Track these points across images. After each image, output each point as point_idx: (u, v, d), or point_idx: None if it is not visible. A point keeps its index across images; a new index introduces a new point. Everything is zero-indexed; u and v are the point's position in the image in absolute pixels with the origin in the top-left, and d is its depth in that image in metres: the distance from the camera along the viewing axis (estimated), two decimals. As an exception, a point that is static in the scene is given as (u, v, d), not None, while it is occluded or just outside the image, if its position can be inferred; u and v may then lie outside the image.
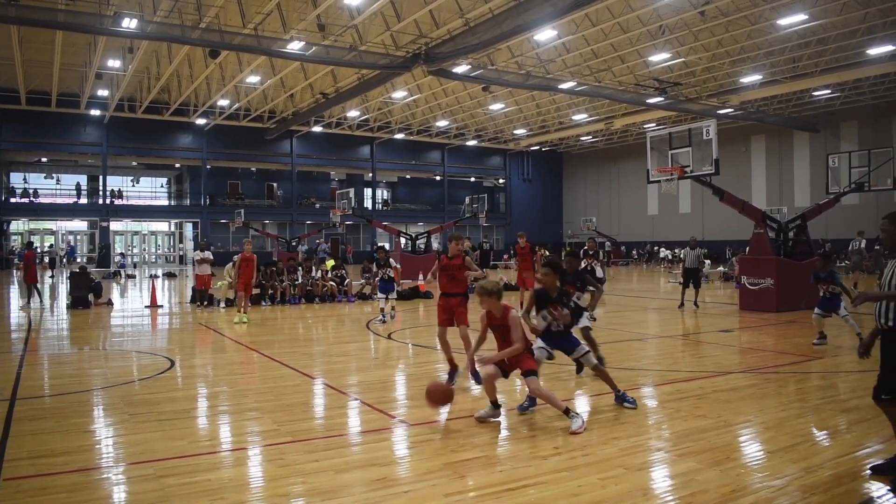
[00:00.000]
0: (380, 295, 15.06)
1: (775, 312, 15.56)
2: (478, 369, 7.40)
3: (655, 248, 51.65)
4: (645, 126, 45.16)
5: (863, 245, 21.41)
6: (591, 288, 8.73)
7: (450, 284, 8.30)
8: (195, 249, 24.87)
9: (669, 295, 21.64)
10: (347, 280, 20.95)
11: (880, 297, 4.83)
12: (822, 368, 9.25)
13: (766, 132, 46.13)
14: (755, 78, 35.68)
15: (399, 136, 52.30)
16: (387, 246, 50.96)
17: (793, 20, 27.23)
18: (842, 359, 10.03)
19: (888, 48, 29.56)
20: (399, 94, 40.83)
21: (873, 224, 39.96)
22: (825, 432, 6.25)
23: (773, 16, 27.46)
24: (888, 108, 39.44)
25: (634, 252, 52.20)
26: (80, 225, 48.75)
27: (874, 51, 30.09)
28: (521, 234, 17.19)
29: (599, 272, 16.59)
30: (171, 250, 52.49)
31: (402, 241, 33.09)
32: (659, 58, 32.72)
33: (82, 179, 49.65)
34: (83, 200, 47.75)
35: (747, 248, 18.33)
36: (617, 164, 57.00)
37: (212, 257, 19.34)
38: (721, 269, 31.15)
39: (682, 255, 19.11)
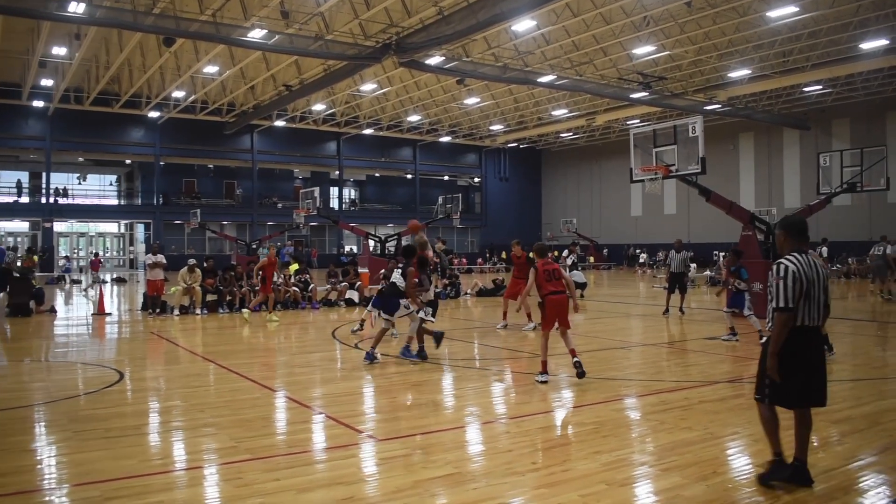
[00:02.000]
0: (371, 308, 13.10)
1: (764, 318, 15.74)
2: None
3: (637, 251, 52.09)
4: (628, 122, 45.43)
5: (887, 250, 21.37)
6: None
7: (554, 284, 9.03)
8: (147, 252, 24.64)
9: (653, 300, 21.82)
10: (312, 286, 20.85)
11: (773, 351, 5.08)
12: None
13: (754, 129, 46.73)
14: (744, 72, 36.10)
15: (368, 131, 52.14)
16: (355, 249, 50.88)
17: (783, 12, 27.57)
18: (833, 367, 10.18)
19: (882, 42, 30.07)
20: (368, 87, 40.72)
21: (865, 227, 40.41)
22: (816, 444, 6.33)
23: (762, 7, 27.81)
24: (882, 104, 40.11)
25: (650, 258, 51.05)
26: (20, 226, 47.91)
27: (867, 45, 30.59)
28: (515, 241, 15.98)
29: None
30: (121, 253, 51.84)
31: (371, 243, 32.99)
32: (643, 50, 32.97)
33: (23, 176, 48.69)
34: (24, 199, 46.87)
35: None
36: (599, 162, 57.35)
37: (165, 261, 19.11)
38: (708, 272, 31.49)
39: (668, 259, 19.25)
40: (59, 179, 47.93)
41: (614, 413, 7.50)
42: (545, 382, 8.75)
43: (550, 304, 8.89)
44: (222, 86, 40.31)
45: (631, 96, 38.10)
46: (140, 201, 50.43)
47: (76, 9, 23.86)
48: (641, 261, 47.60)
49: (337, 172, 55.25)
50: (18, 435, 6.71)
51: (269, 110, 43.64)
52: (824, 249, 22.76)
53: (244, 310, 17.62)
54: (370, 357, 10.40)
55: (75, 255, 47.62)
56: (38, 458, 6.04)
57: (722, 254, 34.05)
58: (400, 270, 10.73)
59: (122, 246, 51.99)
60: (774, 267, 5.13)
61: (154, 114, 44.44)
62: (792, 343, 5.04)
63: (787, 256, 5.13)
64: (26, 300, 18.30)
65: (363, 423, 7.23)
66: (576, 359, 8.82)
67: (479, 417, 7.40)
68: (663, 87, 37.84)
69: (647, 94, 37.08)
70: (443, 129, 53.64)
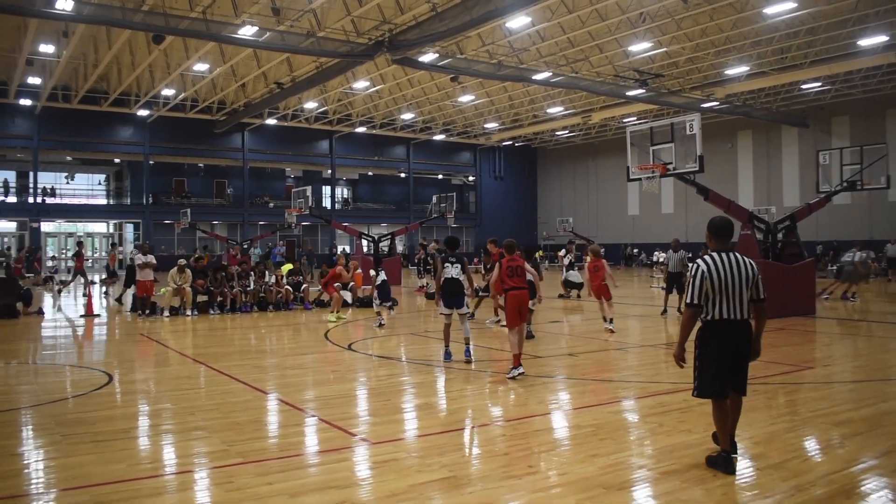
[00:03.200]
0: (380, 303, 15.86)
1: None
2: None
3: (636, 250, 52.05)
4: (625, 120, 45.57)
5: (856, 258, 21.58)
6: None
7: (515, 280, 9.60)
8: (137, 253, 24.51)
9: (651, 301, 21.82)
10: (304, 286, 20.80)
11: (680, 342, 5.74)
12: (813, 379, 9.39)
13: (752, 127, 46.85)
14: (741, 69, 36.20)
15: (360, 129, 52.10)
16: (347, 248, 50.79)
17: (780, 8, 27.66)
18: (834, 369, 10.21)
19: (881, 39, 30.17)
20: (361, 85, 40.69)
21: (865, 226, 40.42)
22: (817, 447, 6.34)
23: (759, 3, 27.88)
24: (881, 101, 40.25)
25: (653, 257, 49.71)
26: (7, 226, 47.75)
27: (866, 41, 30.71)
28: (491, 239, 16.45)
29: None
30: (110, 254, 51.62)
31: (364, 243, 32.96)
32: (639, 47, 33.03)
33: (10, 176, 48.55)
34: (11, 199, 46.79)
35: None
36: (595, 160, 57.45)
37: (155, 261, 19.07)
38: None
39: (665, 259, 19.26)
40: (46, 179, 47.77)
41: (612, 415, 7.50)
42: (521, 374, 9.17)
43: (511, 299, 9.42)
44: (213, 84, 40.25)
45: (627, 94, 38.10)
46: (129, 201, 50.32)
47: (64, 6, 23.75)
48: (661, 260, 44.68)
49: (329, 171, 55.17)
50: (5, 439, 6.66)
51: (261, 108, 43.56)
52: (856, 255, 22.27)
53: (331, 315, 17.40)
54: (464, 355, 10.76)
55: (63, 256, 47.45)
56: (26, 462, 6.00)
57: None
58: (458, 265, 10.51)
59: (110, 246, 51.77)
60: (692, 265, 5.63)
61: (143, 112, 44.31)
62: (713, 334, 5.57)
63: (704, 256, 5.60)
64: (13, 301, 18.23)
65: (357, 426, 7.21)
66: (520, 368, 9.22)
67: (475, 420, 7.39)
68: (660, 84, 37.89)
69: (643, 91, 37.09)
70: (437, 127, 53.62)
